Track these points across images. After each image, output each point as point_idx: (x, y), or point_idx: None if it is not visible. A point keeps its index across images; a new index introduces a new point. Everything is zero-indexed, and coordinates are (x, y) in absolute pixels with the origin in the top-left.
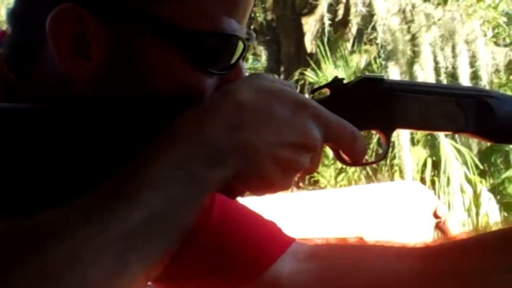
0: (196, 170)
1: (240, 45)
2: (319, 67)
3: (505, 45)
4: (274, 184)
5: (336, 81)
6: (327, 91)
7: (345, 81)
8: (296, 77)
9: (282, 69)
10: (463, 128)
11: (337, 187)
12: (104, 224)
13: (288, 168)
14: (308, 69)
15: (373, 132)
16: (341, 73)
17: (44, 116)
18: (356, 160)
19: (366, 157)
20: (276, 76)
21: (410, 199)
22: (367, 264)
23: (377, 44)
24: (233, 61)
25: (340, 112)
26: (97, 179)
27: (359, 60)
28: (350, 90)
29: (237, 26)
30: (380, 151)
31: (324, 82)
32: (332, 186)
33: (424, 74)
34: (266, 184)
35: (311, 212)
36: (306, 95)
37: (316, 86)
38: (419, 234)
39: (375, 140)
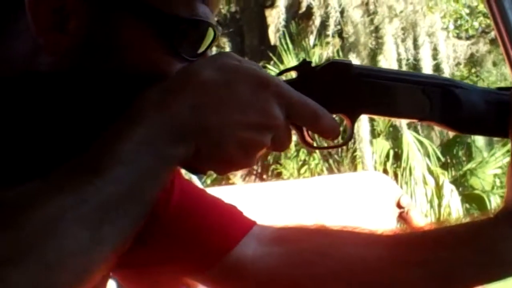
0: (160, 146)
1: (211, 33)
2: (282, 60)
3: (467, 38)
4: (235, 162)
5: (304, 64)
6: (294, 74)
7: (313, 65)
8: None
9: (245, 58)
10: (428, 116)
11: (300, 179)
12: (78, 196)
13: (250, 147)
14: (272, 62)
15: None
16: None
17: (9, 88)
18: (325, 138)
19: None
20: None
21: (373, 189)
22: (334, 250)
23: (340, 37)
24: (203, 47)
25: (306, 95)
26: (65, 154)
27: (321, 53)
28: (317, 73)
29: (210, 14)
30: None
31: (285, 76)
32: (295, 178)
33: (387, 66)
34: (227, 162)
35: (274, 202)
36: None
37: None
38: (382, 224)
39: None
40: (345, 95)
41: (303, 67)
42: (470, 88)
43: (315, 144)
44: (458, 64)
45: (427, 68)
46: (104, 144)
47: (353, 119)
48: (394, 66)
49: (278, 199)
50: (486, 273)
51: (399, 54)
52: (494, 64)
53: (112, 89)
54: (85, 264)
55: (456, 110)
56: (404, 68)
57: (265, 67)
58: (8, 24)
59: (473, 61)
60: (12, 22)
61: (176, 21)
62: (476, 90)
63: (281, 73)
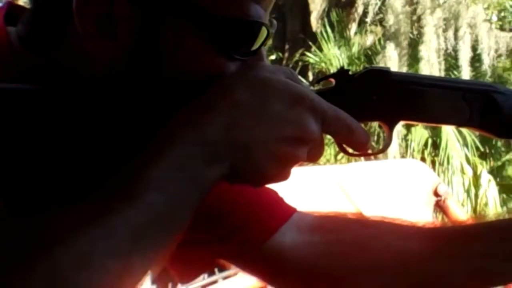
0: (194, 170)
1: (264, 32)
2: (321, 49)
3: (511, 29)
4: (270, 177)
5: (341, 71)
6: (332, 81)
7: (350, 72)
8: (296, 58)
9: (286, 47)
10: (467, 122)
11: (337, 164)
12: (109, 227)
13: (285, 161)
14: (312, 50)
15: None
16: (342, 55)
17: (47, 98)
18: (357, 150)
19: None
20: (283, 68)
21: (411, 176)
22: (374, 242)
23: (381, 25)
24: (255, 47)
25: (344, 103)
26: (105, 167)
27: (363, 41)
28: (355, 81)
29: (262, 13)
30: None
31: (325, 63)
32: (331, 164)
33: (427, 56)
34: (262, 178)
35: (311, 188)
36: (310, 75)
37: (317, 66)
38: (419, 212)
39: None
40: (384, 102)
41: (341, 74)
42: (509, 93)
43: (354, 152)
44: (499, 56)
45: (464, 59)
46: (136, 169)
47: (391, 127)
48: (433, 56)
49: (314, 184)
50: None
51: (439, 44)
52: None
53: (162, 96)
54: None
55: (496, 116)
56: (442, 59)
57: (305, 54)
58: (64, 27)
59: None
60: (67, 22)
61: (228, 23)
62: None
63: (319, 80)
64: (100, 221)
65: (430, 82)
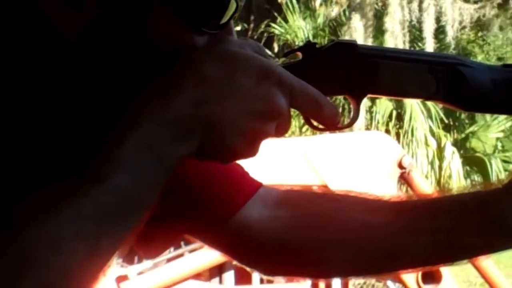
0: (162, 148)
1: (233, 4)
2: (287, 20)
3: (475, 1)
4: (240, 153)
5: (309, 44)
6: (299, 54)
7: (317, 46)
8: (261, 29)
9: (252, 18)
10: (434, 95)
11: (301, 137)
12: (76, 209)
13: (253, 137)
14: (277, 21)
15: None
16: (308, 26)
17: (11, 73)
18: (325, 125)
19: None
20: (250, 41)
21: (376, 148)
22: (340, 215)
23: None
24: (224, 20)
25: (311, 76)
26: (73, 143)
27: (328, 13)
28: (322, 54)
29: None
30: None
31: (290, 35)
32: (296, 136)
33: (392, 27)
34: (232, 153)
35: (276, 160)
36: (275, 46)
37: (282, 38)
38: (384, 184)
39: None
40: (351, 76)
41: (308, 48)
42: (475, 66)
43: (320, 126)
44: (463, 27)
45: (428, 31)
46: (103, 148)
47: (359, 100)
48: (397, 28)
49: (280, 157)
50: (492, 243)
51: (403, 16)
52: (501, 28)
53: (130, 69)
54: (84, 276)
55: (462, 89)
56: (406, 30)
57: (270, 26)
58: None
59: (479, 25)
60: None
61: None
62: (481, 68)
63: (286, 54)
64: (67, 203)
65: (397, 55)
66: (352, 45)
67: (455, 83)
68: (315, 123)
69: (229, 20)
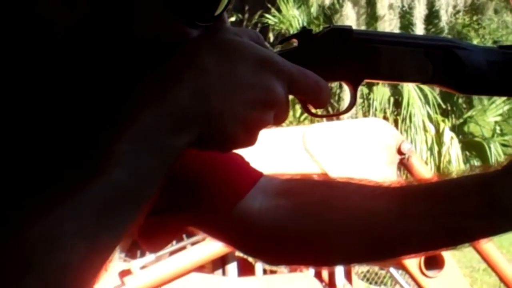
0: (161, 140)
1: None
2: (280, 10)
3: None
4: (239, 142)
5: (305, 31)
6: (295, 42)
7: (313, 32)
8: (255, 20)
9: (246, 8)
10: (430, 79)
11: (300, 126)
12: (76, 206)
13: (252, 126)
14: (272, 11)
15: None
16: (302, 15)
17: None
18: (321, 108)
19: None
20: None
21: (375, 135)
22: (341, 202)
23: None
24: (218, 12)
25: (307, 63)
26: (69, 139)
27: (321, 1)
28: (318, 41)
29: None
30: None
31: (284, 24)
32: (294, 125)
33: (384, 13)
34: (230, 143)
35: (275, 150)
36: (271, 36)
37: (276, 28)
38: (383, 170)
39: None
40: (347, 62)
41: (304, 34)
42: (471, 48)
43: (319, 112)
44: (458, 12)
45: (419, 16)
46: (101, 142)
47: (355, 86)
48: (390, 14)
49: (279, 146)
50: (493, 225)
51: (396, 2)
52: (496, 11)
53: (126, 64)
54: (85, 272)
55: (459, 71)
56: (398, 16)
57: (264, 16)
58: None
59: (474, 8)
60: None
61: None
62: (477, 50)
63: (282, 41)
64: (67, 200)
65: (393, 39)
66: (348, 30)
67: (451, 66)
68: (313, 111)
69: (222, 12)
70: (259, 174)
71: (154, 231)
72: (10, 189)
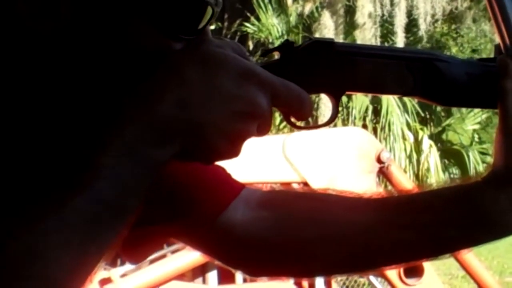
0: (144, 153)
1: (209, 11)
2: (259, 18)
3: None
4: (222, 154)
5: (286, 44)
6: (277, 54)
7: (295, 44)
8: (234, 28)
9: (225, 16)
10: (411, 91)
11: (279, 134)
12: (61, 219)
13: (236, 138)
14: (251, 19)
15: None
16: (281, 24)
17: None
18: (303, 120)
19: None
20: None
21: (354, 144)
22: (323, 214)
23: None
24: (201, 26)
25: (290, 75)
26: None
27: (301, 10)
28: (300, 53)
29: None
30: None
31: (263, 33)
32: (274, 134)
33: (362, 22)
34: (214, 154)
35: (255, 158)
36: (250, 44)
37: (255, 36)
38: (363, 179)
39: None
40: (329, 74)
41: (286, 47)
42: (451, 61)
43: (301, 124)
44: (436, 21)
45: (400, 25)
46: (84, 156)
47: (337, 98)
48: (369, 23)
49: (258, 155)
50: (474, 236)
51: (375, 11)
52: (474, 20)
53: (107, 76)
54: (70, 284)
55: (439, 84)
56: (378, 25)
57: (243, 25)
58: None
59: (452, 17)
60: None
61: (170, 3)
62: (457, 63)
63: (265, 53)
64: (52, 213)
65: (374, 52)
66: (329, 43)
67: (432, 78)
68: (296, 122)
69: (206, 26)
70: (241, 186)
71: (136, 242)
72: None
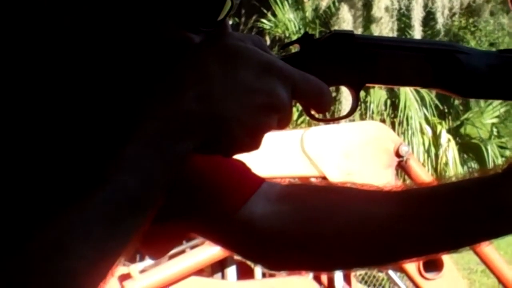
0: (167, 146)
1: (228, 2)
2: (275, 14)
3: None
4: (243, 146)
5: (306, 36)
6: (297, 47)
7: (315, 37)
8: (251, 24)
9: (243, 11)
10: (431, 83)
11: (297, 129)
12: (83, 213)
13: (257, 130)
14: (268, 15)
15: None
16: (297, 19)
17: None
18: (323, 113)
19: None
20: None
21: (373, 138)
22: (343, 208)
23: None
24: (220, 18)
25: (309, 68)
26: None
27: (317, 4)
28: (320, 45)
29: None
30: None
31: (280, 29)
32: (292, 128)
33: (379, 16)
34: (235, 147)
35: (274, 153)
36: (267, 40)
37: (272, 32)
38: (382, 173)
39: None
40: (349, 66)
41: (305, 40)
42: (471, 52)
43: (321, 117)
44: (454, 14)
45: (417, 18)
46: (107, 150)
47: (357, 90)
48: (386, 17)
49: (277, 150)
50: (495, 228)
51: (392, 4)
52: (492, 13)
53: (129, 70)
54: (92, 279)
55: (459, 75)
56: (395, 19)
57: (259, 21)
58: None
59: (470, 11)
60: None
61: None
62: (477, 54)
63: (284, 46)
64: (73, 207)
65: (393, 44)
66: (349, 35)
67: (452, 70)
68: (316, 115)
69: (225, 18)
70: (261, 180)
71: (157, 237)
72: (17, 194)
